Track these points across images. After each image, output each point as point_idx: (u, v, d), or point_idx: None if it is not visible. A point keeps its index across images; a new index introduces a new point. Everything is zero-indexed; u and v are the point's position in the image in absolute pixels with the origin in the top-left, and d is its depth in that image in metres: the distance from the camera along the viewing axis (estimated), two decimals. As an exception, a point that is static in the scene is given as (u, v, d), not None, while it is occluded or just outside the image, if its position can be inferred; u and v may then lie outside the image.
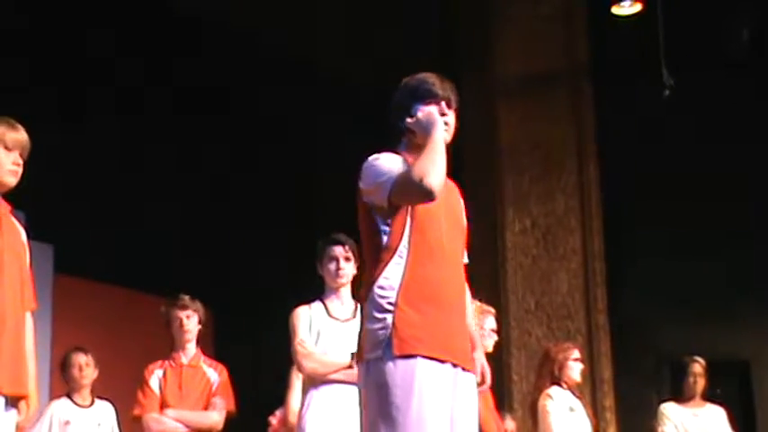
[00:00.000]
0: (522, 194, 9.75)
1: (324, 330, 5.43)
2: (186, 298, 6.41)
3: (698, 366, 7.72)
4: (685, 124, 9.77)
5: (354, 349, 5.24)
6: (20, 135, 4.23)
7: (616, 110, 9.86)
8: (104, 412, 6.87)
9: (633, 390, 9.58)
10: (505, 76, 9.91)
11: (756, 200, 9.82)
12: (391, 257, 3.69)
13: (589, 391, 8.77)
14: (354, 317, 5.44)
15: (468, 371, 3.78)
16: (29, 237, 4.33)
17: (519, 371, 9.28)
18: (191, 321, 6.37)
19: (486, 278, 9.49)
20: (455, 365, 3.70)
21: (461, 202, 3.95)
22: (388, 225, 3.71)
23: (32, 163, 4.27)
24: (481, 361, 4.08)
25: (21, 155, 4.21)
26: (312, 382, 5.36)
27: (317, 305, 5.52)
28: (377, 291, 3.68)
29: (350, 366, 5.26)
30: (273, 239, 10.12)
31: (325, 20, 9.93)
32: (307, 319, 5.44)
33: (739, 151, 9.78)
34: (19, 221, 4.32)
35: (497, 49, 9.94)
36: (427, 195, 3.58)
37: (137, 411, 6.23)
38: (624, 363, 9.50)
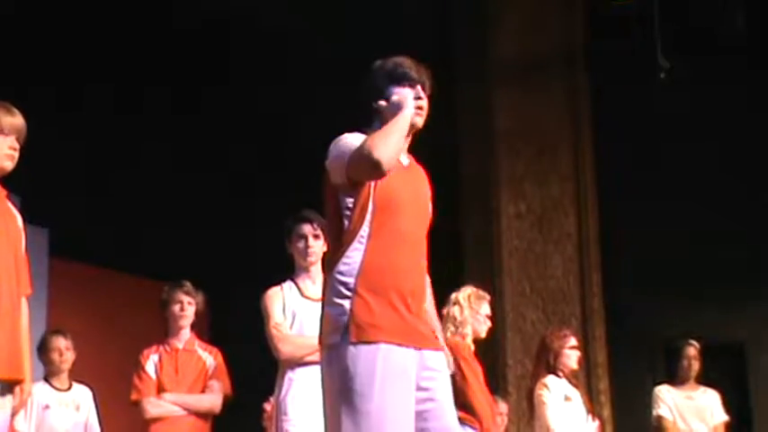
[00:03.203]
0: (518, 178, 9.76)
1: (298, 311, 5.38)
2: (190, 284, 6.42)
3: (692, 349, 7.75)
4: (681, 108, 9.79)
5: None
6: (16, 119, 4.22)
7: (612, 94, 9.86)
8: (82, 396, 6.83)
9: (628, 373, 9.62)
10: (502, 60, 9.91)
11: (752, 183, 9.85)
12: (352, 241, 3.66)
13: (584, 375, 8.77)
14: None
15: (436, 349, 3.74)
16: (24, 221, 4.33)
17: (514, 355, 9.30)
18: (190, 308, 6.38)
19: (481, 263, 9.52)
20: (418, 348, 3.67)
21: (428, 189, 3.90)
22: (349, 209, 3.68)
23: (28, 147, 4.27)
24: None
25: (17, 139, 4.19)
26: (289, 364, 5.30)
27: (289, 286, 5.45)
28: (336, 275, 3.65)
29: None
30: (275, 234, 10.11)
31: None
32: (280, 300, 5.39)
33: (736, 133, 9.82)
34: (15, 206, 4.34)
35: (494, 34, 9.94)
36: (375, 168, 3.54)
37: (134, 396, 6.24)
38: (619, 346, 9.53)
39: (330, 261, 3.72)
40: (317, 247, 5.40)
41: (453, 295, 6.31)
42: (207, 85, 10.38)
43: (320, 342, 3.71)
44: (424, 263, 3.79)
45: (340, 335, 3.58)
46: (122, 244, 9.77)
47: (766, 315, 9.94)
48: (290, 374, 5.29)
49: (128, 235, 9.77)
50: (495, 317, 6.77)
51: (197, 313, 6.46)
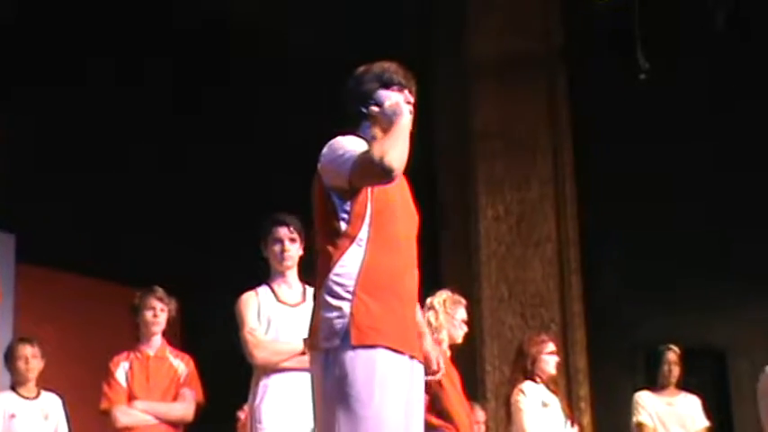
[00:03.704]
0: (496, 180, 9.78)
1: (274, 316, 5.36)
2: (162, 290, 6.41)
3: (672, 354, 7.79)
4: (662, 109, 9.83)
5: (307, 335, 5.30)
6: None
7: (592, 94, 9.90)
8: (51, 404, 6.83)
9: (608, 379, 9.63)
10: (479, 58, 9.93)
11: (735, 184, 9.90)
12: (350, 245, 3.69)
13: (564, 381, 8.82)
14: (304, 300, 5.39)
15: (420, 363, 3.80)
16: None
17: (492, 361, 9.31)
18: (163, 314, 6.37)
19: (458, 266, 9.53)
20: (411, 357, 3.72)
21: (409, 191, 3.94)
22: (347, 212, 3.71)
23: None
24: (433, 350, 4.11)
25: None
26: (264, 371, 5.30)
27: (263, 290, 5.44)
28: (333, 278, 3.68)
29: (303, 353, 5.24)
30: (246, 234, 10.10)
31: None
32: (254, 305, 5.37)
33: (718, 133, 9.87)
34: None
35: (472, 32, 9.96)
36: (387, 174, 3.58)
37: (104, 405, 6.20)
38: (599, 351, 9.57)
39: (324, 264, 3.73)
40: (294, 250, 5.41)
41: (429, 300, 6.28)
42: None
43: (313, 346, 3.73)
44: (415, 266, 3.85)
45: (339, 338, 3.61)
46: (91, 248, 9.75)
47: (747, 320, 9.98)
48: (264, 381, 5.28)
49: (97, 239, 9.74)
50: (472, 322, 6.77)
51: (169, 320, 6.44)
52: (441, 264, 9.55)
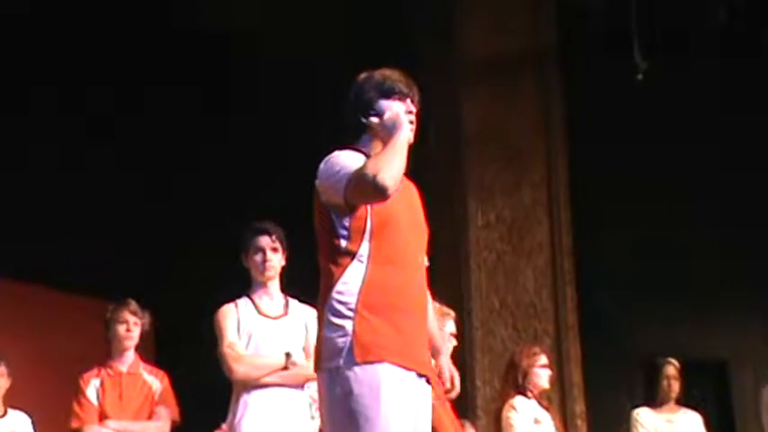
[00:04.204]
0: (486, 186, 9.76)
1: (254, 330, 5.39)
2: (135, 303, 6.42)
3: (672, 368, 7.78)
4: (659, 110, 9.84)
5: (289, 349, 5.30)
6: None
7: (587, 95, 9.89)
8: (19, 423, 6.83)
9: (605, 394, 9.63)
10: (468, 60, 9.91)
11: (736, 189, 9.91)
12: (351, 261, 3.73)
13: (558, 397, 8.81)
14: (286, 313, 5.45)
15: (429, 383, 3.83)
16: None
17: (483, 375, 9.29)
18: (136, 328, 6.38)
19: (447, 276, 9.49)
20: (419, 375, 3.76)
21: (420, 203, 3.99)
22: (346, 228, 3.75)
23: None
24: (448, 366, 4.16)
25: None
26: (244, 387, 5.32)
27: (244, 302, 5.48)
28: (335, 296, 3.72)
29: (285, 368, 5.27)
30: (216, 238, 10.12)
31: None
32: (234, 318, 5.41)
33: (714, 140, 9.88)
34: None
35: (459, 31, 9.95)
36: (379, 193, 3.62)
37: (74, 424, 6.21)
38: (595, 365, 9.53)
39: (326, 282, 3.77)
40: (276, 260, 5.45)
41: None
42: (149, 85, 10.37)
43: (317, 367, 3.77)
44: (424, 280, 3.89)
45: (342, 357, 3.65)
46: (59, 260, 9.70)
47: (750, 329, 10.00)
48: (245, 397, 5.31)
49: (66, 250, 9.70)
50: (461, 335, 6.79)
51: (143, 334, 6.46)
52: (428, 273, 9.52)
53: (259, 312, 5.44)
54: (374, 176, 3.60)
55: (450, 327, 6.42)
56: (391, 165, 3.64)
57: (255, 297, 5.48)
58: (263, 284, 5.48)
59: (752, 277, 9.69)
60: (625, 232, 9.92)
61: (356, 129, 3.90)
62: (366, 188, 3.63)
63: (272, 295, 5.49)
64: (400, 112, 3.83)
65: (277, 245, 5.44)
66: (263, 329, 5.39)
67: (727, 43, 9.58)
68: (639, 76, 8.75)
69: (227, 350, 5.34)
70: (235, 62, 10.38)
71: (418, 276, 3.85)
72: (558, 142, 9.84)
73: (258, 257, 5.44)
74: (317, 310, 3.84)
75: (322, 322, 3.76)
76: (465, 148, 9.84)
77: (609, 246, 9.94)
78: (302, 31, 10.02)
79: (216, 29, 10.30)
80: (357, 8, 9.63)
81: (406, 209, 3.85)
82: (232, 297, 5.53)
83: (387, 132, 3.79)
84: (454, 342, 6.46)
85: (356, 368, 3.63)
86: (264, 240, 5.43)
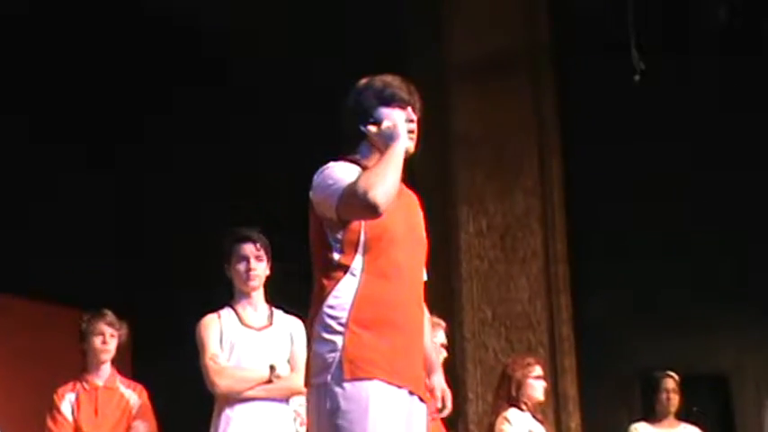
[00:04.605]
0: (477, 191, 9.74)
1: (238, 341, 5.40)
2: (112, 314, 6.41)
3: (671, 382, 7.80)
4: (656, 112, 9.84)
5: (273, 361, 5.30)
6: None
7: (582, 96, 9.89)
8: None
9: (601, 408, 9.64)
10: (458, 59, 9.90)
11: (738, 190, 9.92)
12: (343, 275, 3.77)
13: (552, 411, 8.80)
14: (271, 324, 5.47)
15: (423, 401, 3.84)
16: None
17: (474, 389, 9.27)
18: (113, 340, 6.38)
19: (436, 285, 9.41)
20: (411, 393, 3.78)
21: (421, 214, 4.02)
22: (339, 240, 3.78)
23: None
24: (441, 385, 4.17)
25: None
26: (226, 401, 5.33)
27: (227, 313, 5.49)
28: (326, 310, 3.74)
29: (269, 381, 5.27)
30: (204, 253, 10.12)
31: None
32: (217, 329, 5.41)
33: (715, 143, 9.88)
34: None
35: (448, 29, 9.93)
36: (370, 210, 3.65)
37: (49, 441, 6.20)
38: (591, 378, 9.52)
39: (318, 296, 3.80)
40: (260, 269, 5.47)
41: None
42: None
43: (306, 382, 3.81)
44: (421, 295, 3.92)
45: (330, 373, 3.69)
46: (32, 269, 9.67)
47: (753, 341, 10.00)
48: (227, 411, 5.32)
49: (38, 259, 9.67)
50: (452, 346, 6.79)
51: (120, 346, 6.45)
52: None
53: (242, 323, 5.45)
54: (365, 193, 3.64)
55: (441, 338, 6.46)
56: (383, 180, 3.66)
57: (239, 307, 5.48)
58: (247, 294, 5.49)
59: (756, 285, 9.70)
60: (623, 238, 9.91)
61: (354, 136, 3.92)
62: (357, 205, 3.67)
63: (255, 305, 5.49)
64: (399, 122, 3.85)
65: (261, 253, 5.45)
66: (246, 341, 5.40)
67: (727, 42, 9.59)
68: (637, 77, 8.73)
69: (209, 362, 5.35)
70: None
71: (415, 291, 3.87)
72: (552, 144, 9.83)
73: (241, 266, 5.44)
74: (308, 324, 3.85)
75: (312, 337, 3.79)
76: (455, 152, 9.82)
77: (606, 253, 9.94)
78: (282, 29, 10.04)
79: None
80: (343, 7, 9.63)
81: (402, 221, 3.85)
82: (214, 308, 5.50)
83: (383, 143, 3.81)
84: (445, 354, 6.47)
85: (345, 384, 3.66)
86: (248, 248, 5.44)
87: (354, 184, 3.67)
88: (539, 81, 9.90)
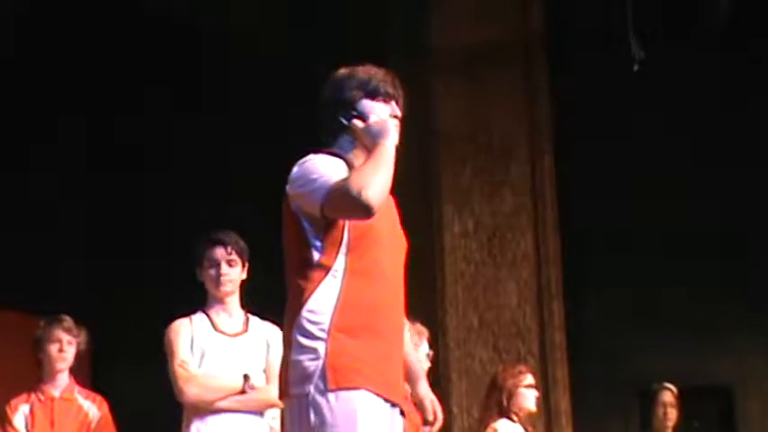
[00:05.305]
0: (464, 189, 9.75)
1: (209, 348, 5.40)
2: (70, 320, 6.40)
3: (669, 394, 7.84)
4: (655, 107, 9.86)
5: (247, 370, 5.28)
6: None
7: (576, 88, 9.89)
8: None
9: (595, 423, 9.70)
10: (444, 50, 9.90)
11: (743, 192, 9.95)
12: (324, 277, 3.73)
13: (544, 425, 8.83)
14: (246, 330, 5.49)
15: (403, 414, 3.82)
16: None
17: (460, 401, 9.28)
18: (71, 348, 6.37)
19: (419, 290, 9.45)
20: (393, 405, 3.76)
21: (397, 213, 4.00)
22: (320, 239, 3.75)
23: None
24: (430, 395, 4.24)
25: None
26: (196, 411, 5.33)
27: (199, 318, 5.50)
28: (306, 315, 3.71)
29: (242, 391, 5.25)
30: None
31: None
32: (188, 335, 5.43)
33: (716, 140, 9.91)
34: None
35: (434, 18, 9.92)
36: (364, 211, 3.63)
37: (0, 455, 6.20)
38: (585, 390, 9.56)
39: (295, 299, 3.76)
40: (233, 274, 5.49)
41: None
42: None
43: (283, 393, 3.77)
44: (402, 299, 3.90)
45: (312, 382, 3.65)
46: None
47: (757, 351, 10.03)
48: (197, 423, 5.33)
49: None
50: (436, 356, 6.80)
51: (78, 355, 6.42)
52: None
53: (215, 329, 5.47)
54: (359, 193, 3.60)
55: (425, 347, 6.42)
56: (377, 179, 3.65)
57: (212, 313, 5.51)
58: (220, 300, 5.52)
59: (760, 291, 9.73)
60: (619, 239, 9.94)
61: (333, 129, 3.90)
62: (349, 205, 3.64)
63: (230, 311, 5.52)
64: (388, 119, 3.85)
65: (234, 257, 5.47)
66: (218, 347, 5.42)
67: (728, 36, 9.64)
68: (636, 67, 8.74)
69: (177, 369, 5.36)
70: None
71: (397, 295, 3.85)
72: (544, 140, 9.85)
73: (213, 271, 5.48)
74: (284, 330, 3.81)
75: (289, 343, 3.73)
76: (440, 148, 9.83)
77: (600, 255, 9.95)
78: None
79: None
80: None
81: (384, 219, 3.84)
82: (180, 313, 5.53)
83: (371, 140, 3.80)
84: (428, 364, 6.45)
85: (330, 395, 3.63)
86: (219, 252, 5.47)
87: (346, 182, 3.65)
88: (530, 72, 9.91)
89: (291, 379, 3.70)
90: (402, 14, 10.15)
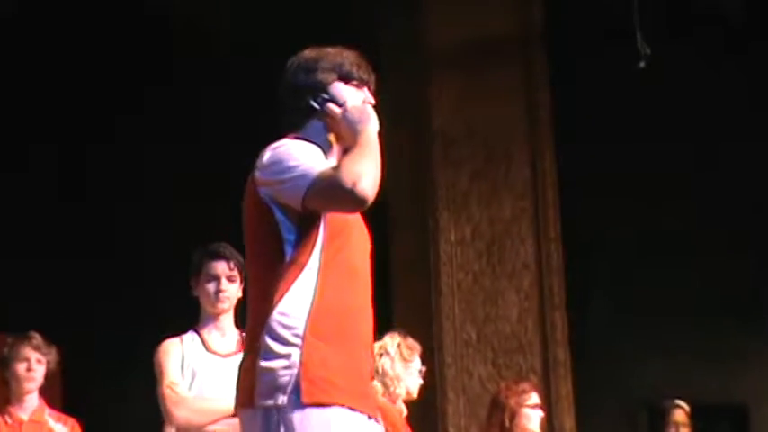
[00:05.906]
0: (461, 194, 9.74)
1: (200, 369, 5.39)
2: (40, 337, 6.41)
3: (680, 412, 7.84)
4: (661, 107, 9.85)
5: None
6: None
7: (578, 87, 9.87)
8: None
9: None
10: (439, 46, 9.89)
11: (747, 194, 9.95)
12: (298, 275, 3.65)
13: (546, 445, 8.78)
14: (239, 350, 5.38)
15: (377, 422, 3.76)
16: None
17: (457, 421, 9.27)
18: (40, 367, 6.39)
19: (413, 302, 9.49)
20: (369, 417, 3.71)
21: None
22: (294, 233, 3.68)
23: None
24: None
25: None
26: None
27: (190, 337, 5.48)
28: (278, 317, 3.62)
29: (234, 415, 5.21)
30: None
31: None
32: (178, 355, 5.43)
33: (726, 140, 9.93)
34: None
35: (429, 13, 9.90)
36: (358, 204, 3.59)
37: (-36, 483, 6.19)
38: (590, 407, 9.55)
39: (262, 299, 3.69)
40: (232, 290, 5.48)
41: (379, 344, 6.20)
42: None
43: (246, 403, 3.68)
44: (370, 304, 3.83)
45: (285, 394, 3.57)
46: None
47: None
48: None
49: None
50: (431, 372, 6.79)
51: (48, 374, 6.43)
52: (390, 298, 9.49)
53: (207, 349, 5.46)
54: (353, 185, 3.54)
55: (417, 363, 6.38)
56: (369, 171, 3.62)
57: (204, 331, 5.50)
58: (215, 317, 5.51)
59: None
60: (625, 247, 9.92)
61: (301, 113, 3.84)
62: (341, 197, 3.58)
63: (223, 330, 5.51)
64: (366, 105, 3.82)
65: (235, 273, 5.45)
66: (209, 368, 5.40)
67: (733, 37, 9.66)
68: (642, 64, 8.72)
69: (166, 391, 5.35)
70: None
71: (368, 296, 3.80)
72: (545, 142, 9.84)
73: (211, 286, 5.46)
74: (248, 332, 3.76)
75: (256, 348, 3.64)
76: (435, 150, 9.80)
77: (606, 264, 9.93)
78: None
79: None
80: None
81: (354, 218, 3.80)
82: (165, 333, 5.52)
83: (349, 127, 3.74)
84: (420, 381, 6.42)
85: (302, 410, 3.56)
86: (220, 267, 5.45)
87: (337, 174, 3.58)
88: (530, 70, 9.91)
89: (259, 388, 3.61)
90: (394, 12, 10.15)
